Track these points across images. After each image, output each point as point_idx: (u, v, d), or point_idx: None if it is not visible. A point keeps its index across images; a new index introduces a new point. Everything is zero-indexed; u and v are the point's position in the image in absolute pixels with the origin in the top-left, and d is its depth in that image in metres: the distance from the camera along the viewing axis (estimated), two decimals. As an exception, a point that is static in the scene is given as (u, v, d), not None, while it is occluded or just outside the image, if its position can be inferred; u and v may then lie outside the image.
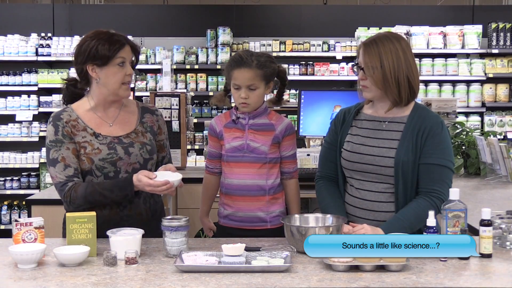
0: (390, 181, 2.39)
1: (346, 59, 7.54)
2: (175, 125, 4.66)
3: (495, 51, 7.29)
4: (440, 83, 7.35)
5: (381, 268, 1.97)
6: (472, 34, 7.27)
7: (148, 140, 2.56)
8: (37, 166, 7.31)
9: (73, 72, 7.22)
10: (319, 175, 2.62)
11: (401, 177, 2.36)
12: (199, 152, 7.04)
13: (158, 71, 7.20)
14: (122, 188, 2.39)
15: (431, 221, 2.12)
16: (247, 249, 2.08)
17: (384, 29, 7.20)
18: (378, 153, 2.41)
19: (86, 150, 2.46)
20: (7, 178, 7.31)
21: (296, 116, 4.62)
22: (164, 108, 4.65)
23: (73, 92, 2.57)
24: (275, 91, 2.88)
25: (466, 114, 7.28)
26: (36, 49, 7.36)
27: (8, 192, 7.29)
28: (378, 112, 2.50)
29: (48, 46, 7.36)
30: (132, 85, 7.03)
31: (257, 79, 2.63)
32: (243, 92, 2.64)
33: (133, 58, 2.52)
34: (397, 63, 2.36)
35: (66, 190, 2.42)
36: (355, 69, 2.51)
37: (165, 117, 4.60)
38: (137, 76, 7.34)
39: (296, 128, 4.52)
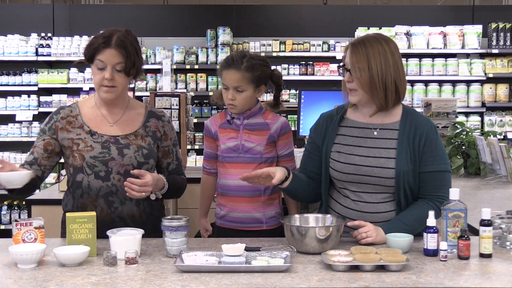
0: (390, 190, 2.34)
1: (346, 59, 7.52)
2: (175, 125, 4.66)
3: (495, 51, 7.28)
4: (440, 83, 7.35)
5: (381, 268, 1.97)
6: (472, 34, 7.27)
7: (146, 144, 2.51)
8: (37, 166, 7.30)
9: (73, 72, 7.30)
10: None
11: (402, 187, 2.31)
12: (199, 152, 7.04)
13: (158, 71, 7.20)
14: None
15: (431, 221, 2.11)
16: (247, 249, 2.08)
17: (384, 29, 7.21)
18: (376, 164, 2.32)
19: (79, 146, 2.46)
20: (7, 178, 7.30)
21: (296, 116, 4.62)
22: (164, 108, 4.65)
23: None
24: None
25: (466, 114, 7.28)
26: (36, 49, 7.36)
27: (8, 192, 7.27)
28: (365, 118, 2.41)
29: (48, 46, 7.36)
30: (132, 85, 7.06)
31: (244, 81, 2.62)
32: (230, 93, 2.64)
33: (119, 63, 2.39)
34: (385, 66, 2.27)
35: None
36: (341, 70, 2.38)
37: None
38: (137, 76, 7.33)
39: (296, 128, 4.53)
